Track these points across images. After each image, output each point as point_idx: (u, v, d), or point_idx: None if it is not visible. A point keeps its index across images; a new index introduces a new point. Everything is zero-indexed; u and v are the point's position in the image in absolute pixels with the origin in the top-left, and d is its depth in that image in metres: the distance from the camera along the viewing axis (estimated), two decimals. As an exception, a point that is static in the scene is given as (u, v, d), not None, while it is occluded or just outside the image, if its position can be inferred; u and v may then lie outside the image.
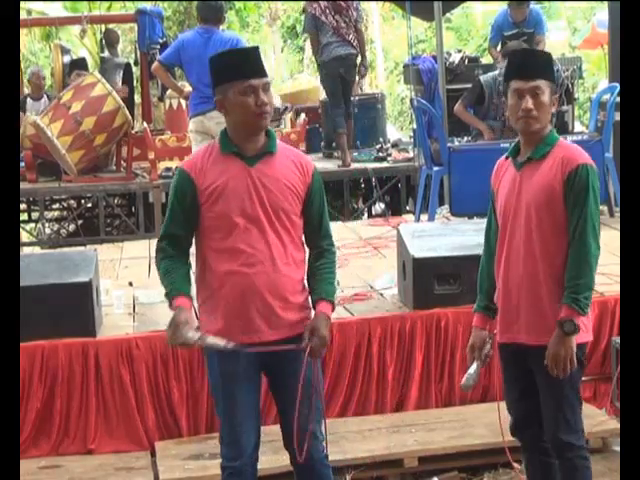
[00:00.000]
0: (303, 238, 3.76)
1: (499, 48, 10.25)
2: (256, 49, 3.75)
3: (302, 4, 11.28)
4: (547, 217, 3.61)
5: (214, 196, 3.60)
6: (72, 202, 11.56)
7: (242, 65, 3.60)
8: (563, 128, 8.97)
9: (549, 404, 3.69)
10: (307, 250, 3.78)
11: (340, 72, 10.20)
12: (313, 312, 3.73)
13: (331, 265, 3.78)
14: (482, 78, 8.26)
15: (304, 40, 24.69)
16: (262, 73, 3.60)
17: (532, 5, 10.76)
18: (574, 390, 3.67)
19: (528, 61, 3.68)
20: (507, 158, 3.76)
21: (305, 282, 3.74)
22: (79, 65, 11.17)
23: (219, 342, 3.57)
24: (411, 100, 9.06)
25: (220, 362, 3.67)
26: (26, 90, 11.87)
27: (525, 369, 3.76)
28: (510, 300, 3.71)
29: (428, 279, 5.51)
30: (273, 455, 3.85)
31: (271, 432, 4.00)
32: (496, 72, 8.39)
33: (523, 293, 3.67)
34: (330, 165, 10.84)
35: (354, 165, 10.73)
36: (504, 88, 3.75)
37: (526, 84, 3.60)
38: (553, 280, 3.61)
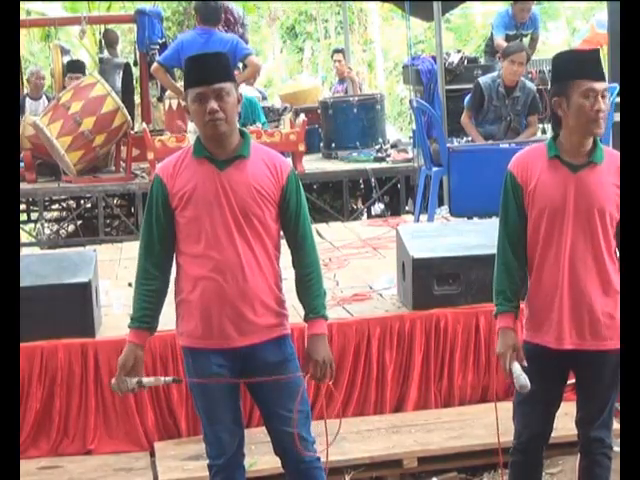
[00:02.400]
0: (284, 241, 3.74)
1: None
2: (215, 55, 3.73)
3: (299, 5, 11.77)
4: (609, 222, 3.61)
5: (184, 201, 3.61)
6: (71, 202, 11.54)
7: (193, 72, 3.59)
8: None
9: (593, 406, 3.75)
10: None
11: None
12: (305, 324, 3.75)
13: (315, 273, 3.75)
14: (481, 80, 8.25)
15: (303, 41, 24.72)
16: (213, 79, 3.54)
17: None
18: (616, 393, 3.71)
19: (597, 62, 3.61)
20: (551, 158, 3.64)
21: (280, 286, 3.72)
22: (73, 68, 11.15)
23: (157, 381, 3.78)
24: (410, 100, 9.05)
25: (193, 362, 3.71)
26: (25, 90, 11.86)
27: (560, 375, 3.77)
28: (560, 303, 3.66)
29: (427, 279, 5.51)
30: (274, 455, 3.84)
31: (271, 432, 3.99)
32: (495, 73, 8.38)
33: (577, 296, 3.64)
34: (330, 166, 10.84)
35: (354, 165, 10.74)
36: (559, 87, 3.62)
37: (600, 85, 3.54)
38: (602, 283, 3.63)
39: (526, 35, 10.49)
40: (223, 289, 3.59)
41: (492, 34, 10.66)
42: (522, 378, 3.64)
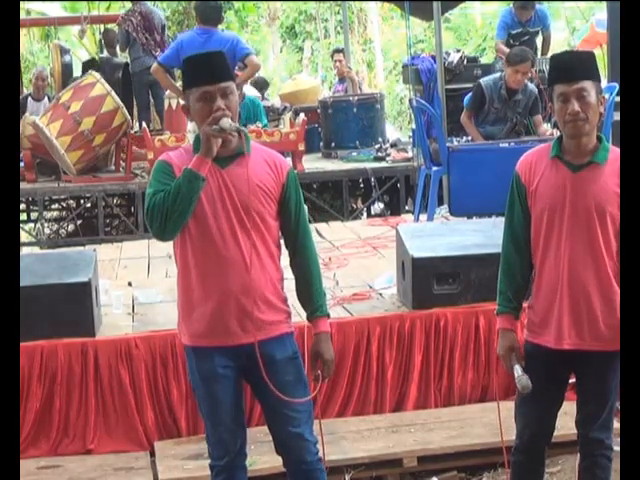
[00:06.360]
0: (282, 240, 3.73)
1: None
2: (217, 54, 3.69)
3: (299, 4, 11.71)
4: (610, 222, 3.60)
5: None
6: (71, 202, 11.55)
7: (198, 71, 3.56)
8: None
9: (592, 407, 3.74)
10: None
11: (149, 80, 10.84)
12: (305, 322, 3.74)
13: (317, 272, 3.75)
14: (482, 81, 8.22)
15: (303, 40, 24.74)
16: (219, 78, 3.53)
17: (537, 5, 10.70)
18: (616, 394, 3.70)
19: (571, 63, 3.61)
20: (552, 158, 3.64)
21: (282, 284, 3.70)
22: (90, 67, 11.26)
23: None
24: (410, 100, 9.05)
25: (197, 363, 3.68)
26: (25, 90, 11.87)
27: (561, 375, 3.76)
28: (559, 303, 3.65)
29: (427, 279, 5.51)
30: (273, 455, 3.84)
31: (271, 432, 3.99)
32: (497, 75, 8.34)
33: (576, 296, 3.63)
34: (329, 165, 10.84)
35: (353, 165, 10.75)
36: (549, 93, 3.68)
37: (570, 87, 3.54)
38: (601, 284, 3.62)
39: (535, 33, 10.44)
40: (226, 285, 3.57)
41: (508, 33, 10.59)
42: (524, 379, 3.65)
